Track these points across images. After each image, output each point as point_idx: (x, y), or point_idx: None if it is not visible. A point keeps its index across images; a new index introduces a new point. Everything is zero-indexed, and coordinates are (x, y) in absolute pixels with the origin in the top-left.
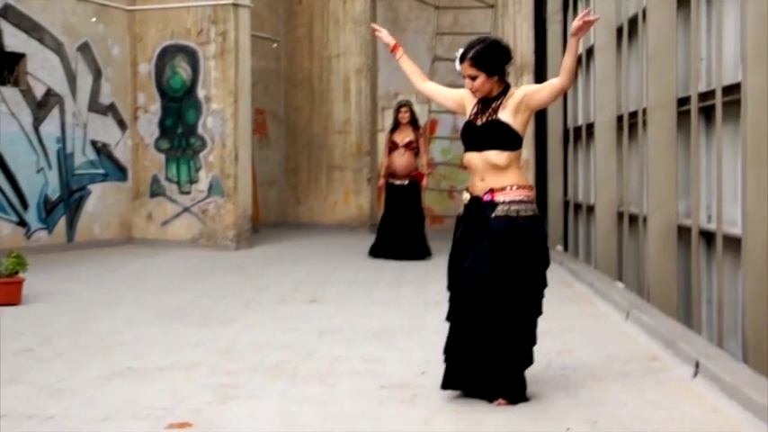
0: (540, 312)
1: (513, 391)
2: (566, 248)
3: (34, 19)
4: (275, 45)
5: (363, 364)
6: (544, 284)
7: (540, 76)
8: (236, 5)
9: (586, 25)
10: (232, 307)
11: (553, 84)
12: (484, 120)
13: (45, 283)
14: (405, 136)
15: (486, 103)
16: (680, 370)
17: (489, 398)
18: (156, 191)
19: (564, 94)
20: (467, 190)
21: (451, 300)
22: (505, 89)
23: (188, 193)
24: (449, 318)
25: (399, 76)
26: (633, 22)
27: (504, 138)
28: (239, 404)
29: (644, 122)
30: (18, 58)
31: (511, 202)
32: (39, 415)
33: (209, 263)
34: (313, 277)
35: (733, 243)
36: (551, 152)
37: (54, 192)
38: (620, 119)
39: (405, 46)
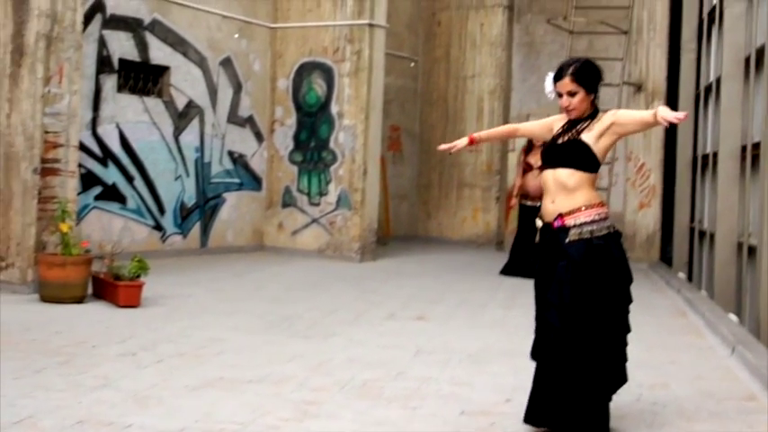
0: (628, 330)
1: (595, 425)
2: (690, 277)
3: (179, 33)
4: (413, 64)
5: (451, 388)
6: (629, 301)
7: (672, 103)
8: (371, 26)
9: (670, 121)
10: (339, 321)
11: (645, 118)
12: (565, 139)
13: (169, 287)
14: (539, 158)
15: (573, 124)
16: None
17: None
18: (287, 201)
19: (695, 121)
20: (539, 216)
21: (537, 333)
22: (594, 113)
23: (317, 204)
24: (533, 354)
25: (532, 98)
26: (761, 52)
27: (580, 158)
28: (316, 422)
29: (766, 153)
30: (162, 70)
31: (582, 224)
32: (117, 423)
33: (331, 274)
34: (427, 293)
35: None
36: (680, 178)
37: (190, 198)
38: (743, 149)
39: (539, 69)
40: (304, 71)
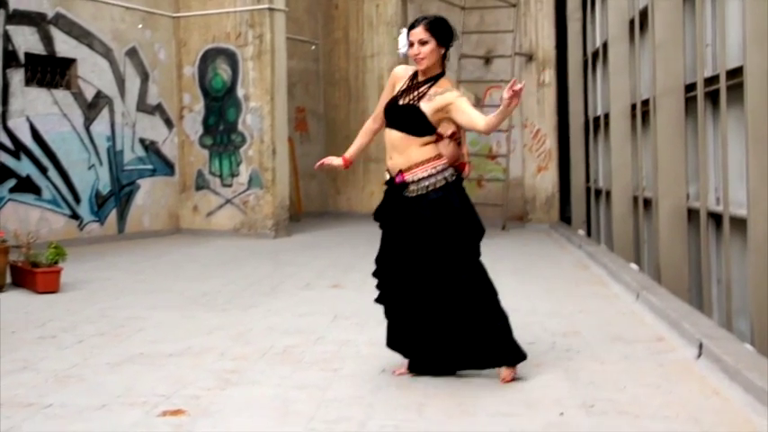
0: (483, 277)
1: (507, 356)
2: (589, 233)
3: (84, 26)
4: (313, 47)
5: (369, 349)
6: (476, 252)
7: (561, 70)
8: (271, 10)
9: (516, 94)
10: (257, 293)
11: (475, 121)
12: (406, 101)
13: (87, 273)
14: (448, 127)
15: (416, 85)
16: (684, 351)
17: (481, 367)
18: (200, 184)
19: (584, 86)
20: (387, 170)
21: (384, 285)
22: (439, 75)
23: (230, 185)
24: (378, 299)
25: None
26: (644, 14)
27: (414, 124)
28: (238, 390)
29: (654, 110)
30: (69, 62)
31: (420, 180)
32: (37, 403)
33: (246, 251)
34: (341, 264)
35: (740, 224)
36: (573, 142)
37: (105, 187)
38: (633, 107)
39: None
40: (209, 57)
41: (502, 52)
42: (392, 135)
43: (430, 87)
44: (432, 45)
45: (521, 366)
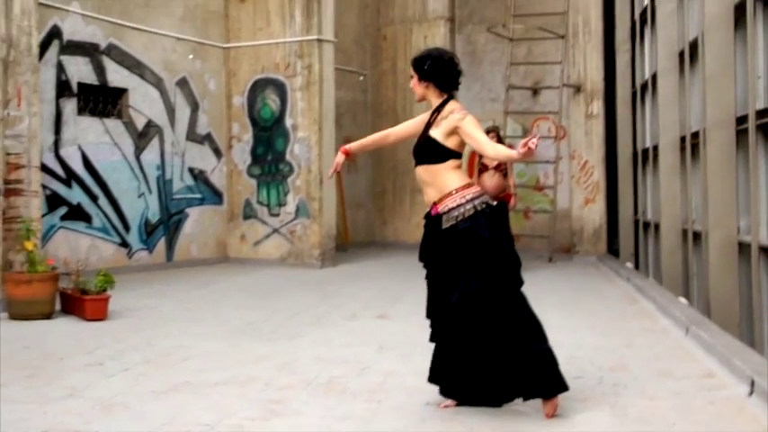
0: (518, 305)
1: (549, 386)
2: (637, 266)
3: (135, 56)
4: (362, 78)
5: (414, 380)
6: (513, 283)
7: (609, 101)
8: (320, 41)
9: (530, 151)
10: (303, 323)
11: (482, 146)
12: (421, 139)
13: (135, 300)
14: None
15: (431, 117)
16: (735, 388)
17: (523, 396)
18: (248, 213)
19: (633, 117)
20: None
21: (431, 319)
22: (445, 102)
23: (277, 215)
24: (431, 338)
25: (477, 105)
26: (694, 46)
27: (431, 153)
28: (282, 421)
29: (705, 142)
30: (121, 92)
31: (450, 210)
32: (83, 431)
33: (293, 280)
34: (387, 294)
35: None
36: (622, 173)
37: (154, 215)
38: (682, 140)
39: (482, 77)
40: (258, 87)
41: (550, 83)
42: (419, 170)
43: (437, 115)
44: (414, 80)
45: (567, 401)
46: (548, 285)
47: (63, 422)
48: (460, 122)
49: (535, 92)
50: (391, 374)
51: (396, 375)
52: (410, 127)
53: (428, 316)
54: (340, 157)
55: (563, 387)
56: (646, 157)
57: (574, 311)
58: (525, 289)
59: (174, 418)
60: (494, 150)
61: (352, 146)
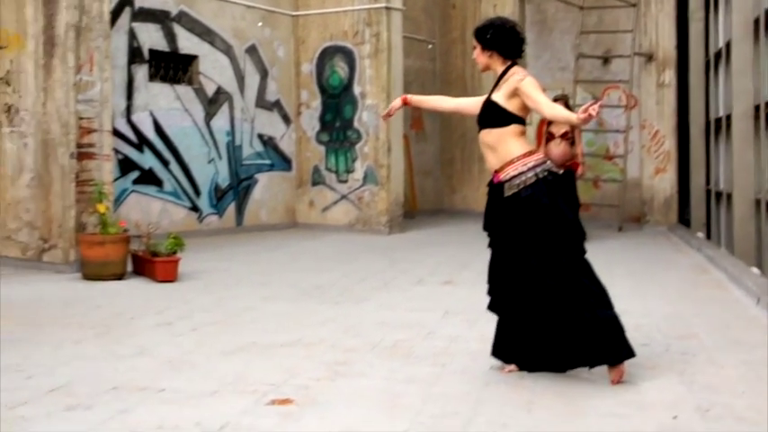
0: (581, 273)
1: (614, 352)
2: (708, 236)
3: (206, 24)
4: (430, 47)
5: (479, 345)
6: (575, 252)
7: (681, 72)
8: (388, 9)
9: (589, 116)
10: (369, 287)
11: (540, 106)
12: (485, 102)
13: (204, 263)
14: (561, 127)
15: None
16: None
17: (589, 364)
18: (317, 180)
19: (706, 86)
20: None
21: (491, 285)
22: (507, 69)
23: (345, 181)
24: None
25: (546, 74)
26: None
27: (492, 116)
28: (347, 382)
29: None
30: (191, 59)
31: (512, 178)
32: (151, 387)
33: (360, 246)
34: (454, 261)
35: None
36: (694, 143)
37: (224, 180)
38: (756, 109)
39: (552, 46)
40: (326, 55)
41: (621, 52)
42: (481, 135)
43: (500, 81)
44: (477, 50)
45: (634, 368)
46: (617, 255)
47: (132, 378)
48: (520, 83)
49: (606, 61)
50: (456, 339)
51: (460, 340)
52: (473, 104)
53: (489, 284)
54: (397, 102)
55: (629, 353)
56: (718, 127)
57: (643, 281)
58: (594, 258)
59: (241, 377)
60: (551, 110)
61: (413, 97)
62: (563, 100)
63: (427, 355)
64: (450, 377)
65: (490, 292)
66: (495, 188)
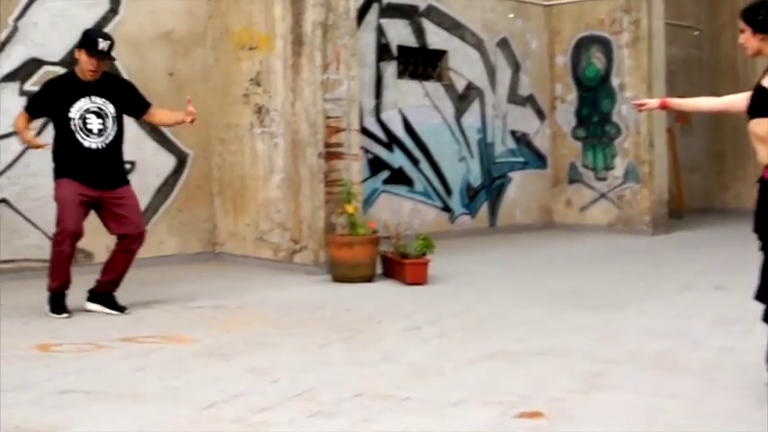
0: None
1: None
2: None
3: (455, 17)
4: (696, 33)
5: (753, 358)
6: None
7: None
8: None
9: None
10: (629, 292)
11: None
12: (755, 88)
13: (455, 266)
14: None
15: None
16: None
17: None
18: (573, 177)
19: None
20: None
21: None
22: None
23: (604, 179)
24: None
25: None
26: None
27: (762, 104)
28: (602, 395)
29: None
30: (440, 54)
31: None
32: (395, 395)
33: (621, 248)
34: (725, 264)
35: None
36: None
37: (476, 179)
38: None
39: None
40: (582, 46)
41: None
42: (750, 125)
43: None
44: (747, 33)
45: None
46: None
47: (375, 386)
48: None
49: None
50: (727, 350)
51: (732, 352)
52: (743, 101)
53: (759, 291)
54: (654, 103)
55: None
56: None
57: None
58: None
59: (488, 386)
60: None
61: (672, 101)
62: None
63: (693, 367)
64: (720, 393)
65: (761, 300)
66: (766, 185)
